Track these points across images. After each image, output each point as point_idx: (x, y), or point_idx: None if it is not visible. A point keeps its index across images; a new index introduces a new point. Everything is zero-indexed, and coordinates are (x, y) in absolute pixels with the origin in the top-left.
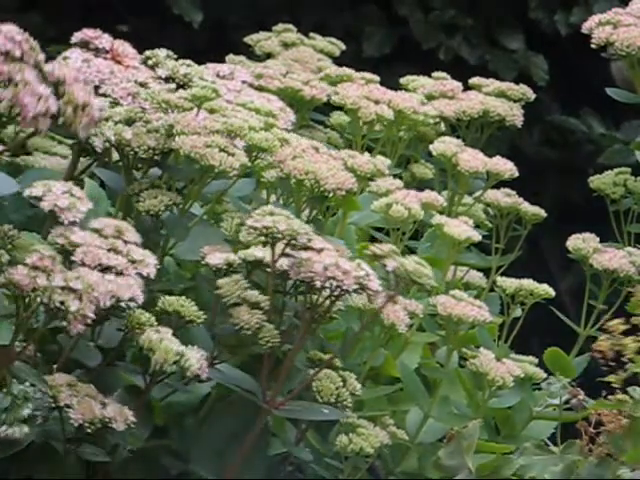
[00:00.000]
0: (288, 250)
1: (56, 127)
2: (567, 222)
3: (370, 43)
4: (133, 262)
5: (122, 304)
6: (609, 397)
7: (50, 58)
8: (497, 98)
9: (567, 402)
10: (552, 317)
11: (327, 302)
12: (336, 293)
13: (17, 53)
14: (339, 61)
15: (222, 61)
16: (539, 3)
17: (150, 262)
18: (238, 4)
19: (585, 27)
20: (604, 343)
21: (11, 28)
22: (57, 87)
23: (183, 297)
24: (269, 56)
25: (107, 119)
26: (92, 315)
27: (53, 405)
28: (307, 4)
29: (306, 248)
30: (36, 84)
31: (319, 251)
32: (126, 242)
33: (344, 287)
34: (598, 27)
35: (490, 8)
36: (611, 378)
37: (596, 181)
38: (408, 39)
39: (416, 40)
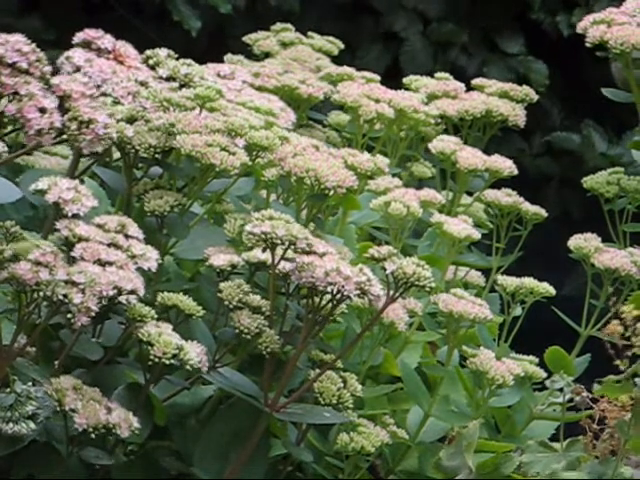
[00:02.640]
0: (289, 254)
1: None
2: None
3: (364, 62)
4: (133, 257)
5: (123, 299)
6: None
7: (51, 61)
8: (500, 98)
9: (570, 400)
10: (552, 317)
11: (329, 305)
12: (338, 297)
13: (24, 65)
14: None
15: None
16: (541, 5)
17: (151, 256)
18: (235, 13)
19: (580, 26)
20: (614, 328)
21: (19, 39)
22: (63, 101)
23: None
24: (267, 55)
25: (109, 117)
26: (95, 308)
27: (58, 409)
28: (303, 14)
29: (308, 252)
30: (41, 97)
31: (321, 255)
32: (128, 237)
33: (345, 293)
34: (592, 26)
35: (490, 12)
36: (611, 378)
37: (589, 181)
38: (404, 54)
39: (411, 57)
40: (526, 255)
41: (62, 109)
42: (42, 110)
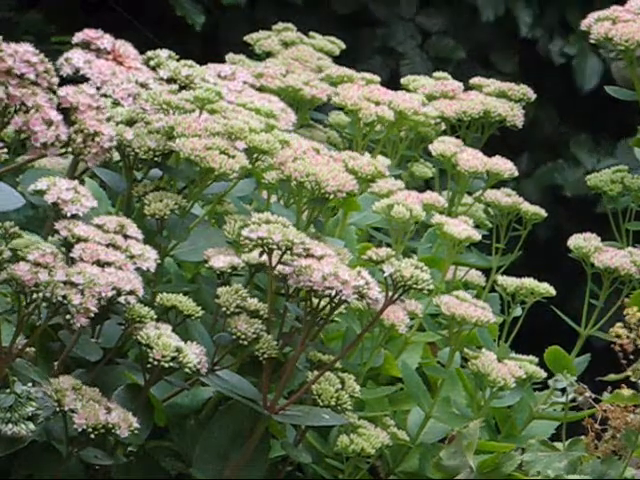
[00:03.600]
0: (286, 257)
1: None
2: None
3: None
4: (132, 257)
5: (122, 299)
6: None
7: (55, 52)
8: (498, 98)
9: (573, 400)
10: (552, 316)
11: (328, 308)
12: (336, 301)
13: (32, 76)
14: None
15: None
16: (534, 25)
17: (150, 256)
18: (234, 16)
19: (584, 24)
20: (621, 330)
21: (27, 49)
22: (69, 113)
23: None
24: (268, 55)
25: (109, 119)
26: (94, 309)
27: (57, 409)
28: (302, 24)
29: (306, 255)
30: (48, 109)
31: (319, 258)
32: (126, 237)
33: (343, 297)
34: (597, 23)
35: (485, 31)
36: (612, 377)
37: (593, 179)
38: (403, 68)
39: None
40: (527, 260)
41: (68, 120)
42: (48, 122)
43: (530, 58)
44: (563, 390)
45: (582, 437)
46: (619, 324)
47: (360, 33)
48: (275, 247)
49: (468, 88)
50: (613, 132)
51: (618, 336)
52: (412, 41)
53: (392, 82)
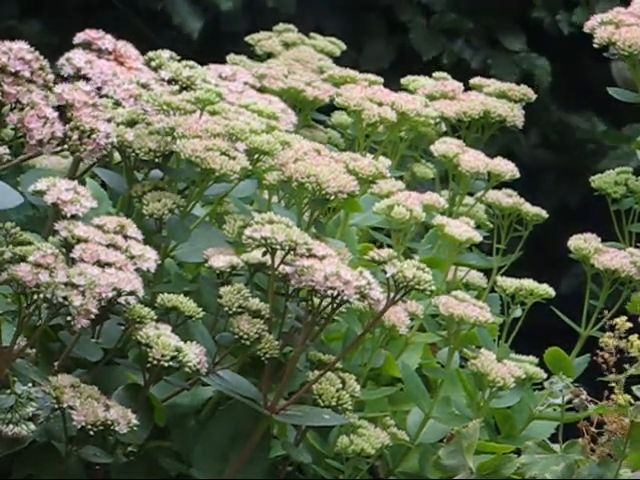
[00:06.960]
0: (289, 257)
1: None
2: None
3: (368, 56)
4: (132, 257)
5: (122, 300)
6: (612, 397)
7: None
8: (498, 99)
9: (569, 402)
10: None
11: (329, 308)
12: (337, 301)
13: (27, 74)
14: None
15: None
16: (541, 2)
17: (150, 257)
18: (235, 11)
19: (587, 27)
20: (609, 340)
21: (22, 46)
22: (65, 109)
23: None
24: (269, 56)
25: (109, 120)
26: (95, 310)
27: (56, 406)
28: (304, 13)
29: (308, 255)
30: (44, 106)
31: (321, 258)
32: (127, 237)
33: (344, 297)
34: (600, 27)
35: (491, 9)
36: (611, 378)
37: (597, 180)
38: (409, 47)
39: (416, 49)
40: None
41: (64, 117)
42: (44, 119)
43: (537, 35)
44: (561, 392)
45: (578, 440)
46: (608, 334)
47: (364, 16)
48: (278, 247)
49: (468, 88)
50: (619, 117)
51: (601, 348)
52: (417, 19)
53: (399, 62)
